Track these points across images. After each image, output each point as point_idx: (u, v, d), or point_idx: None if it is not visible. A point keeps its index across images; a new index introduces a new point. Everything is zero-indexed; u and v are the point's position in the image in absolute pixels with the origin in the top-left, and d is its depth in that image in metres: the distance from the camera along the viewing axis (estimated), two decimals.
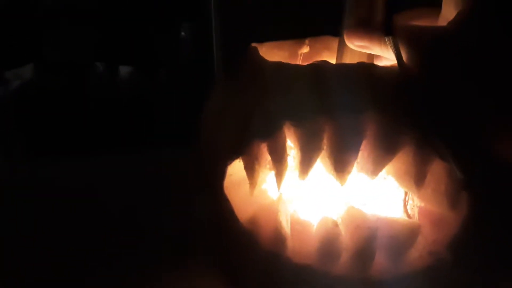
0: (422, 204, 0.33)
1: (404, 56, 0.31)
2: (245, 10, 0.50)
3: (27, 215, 0.46)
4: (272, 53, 0.43)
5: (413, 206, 0.33)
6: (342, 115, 0.29)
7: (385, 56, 0.33)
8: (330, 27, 0.41)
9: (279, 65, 0.32)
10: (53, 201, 0.47)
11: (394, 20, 0.32)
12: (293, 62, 0.44)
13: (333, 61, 0.42)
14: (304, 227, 0.33)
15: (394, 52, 0.31)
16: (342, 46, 0.36)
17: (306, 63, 0.45)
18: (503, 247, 0.31)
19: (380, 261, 0.31)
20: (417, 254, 0.32)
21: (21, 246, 0.42)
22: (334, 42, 0.41)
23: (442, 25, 0.31)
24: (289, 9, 0.51)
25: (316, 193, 0.35)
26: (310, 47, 0.43)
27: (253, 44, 0.41)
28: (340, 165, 0.29)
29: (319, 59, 0.45)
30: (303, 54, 0.43)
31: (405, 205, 0.33)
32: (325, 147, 0.30)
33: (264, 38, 0.43)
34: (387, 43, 0.31)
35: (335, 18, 0.39)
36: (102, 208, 0.46)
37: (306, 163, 0.30)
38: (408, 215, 0.33)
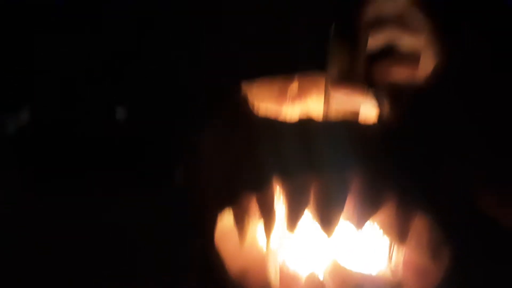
0: (406, 255, 0.34)
1: (387, 107, 0.32)
2: (237, 43, 0.51)
3: (29, 254, 0.46)
4: (263, 91, 0.44)
5: (398, 256, 0.34)
6: (328, 172, 0.30)
7: (368, 105, 0.34)
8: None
9: (269, 121, 0.33)
10: (55, 240, 0.47)
11: (375, 73, 0.34)
12: (282, 100, 0.45)
13: (320, 96, 0.43)
14: (293, 279, 0.34)
15: (377, 103, 0.32)
16: (328, 91, 0.37)
17: (295, 99, 0.46)
18: None
19: None
20: None
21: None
22: (321, 79, 0.42)
23: (421, 82, 0.32)
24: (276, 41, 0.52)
25: (304, 242, 0.36)
26: (299, 84, 0.44)
27: (244, 82, 0.42)
28: (327, 219, 0.30)
29: (309, 96, 0.46)
30: (292, 90, 0.44)
31: (390, 256, 0.34)
32: (312, 202, 0.31)
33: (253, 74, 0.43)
34: (371, 94, 0.32)
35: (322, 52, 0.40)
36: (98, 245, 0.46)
37: (294, 217, 0.31)
38: (392, 267, 0.34)
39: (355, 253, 0.35)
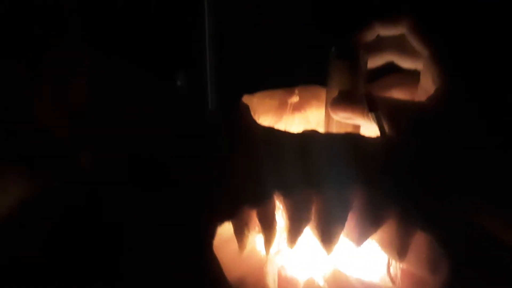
0: (405, 267, 0.34)
1: (387, 129, 0.32)
2: (240, 58, 0.51)
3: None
4: (263, 102, 0.44)
5: (396, 267, 0.34)
6: (330, 188, 0.31)
7: (369, 127, 0.34)
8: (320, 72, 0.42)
9: (270, 131, 0.33)
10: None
11: (375, 94, 0.34)
12: (283, 110, 0.45)
13: (321, 109, 0.44)
14: (291, 285, 0.34)
15: (377, 124, 0.32)
16: (328, 113, 0.37)
17: (296, 111, 0.46)
18: None
19: None
20: None
21: None
22: (322, 92, 0.42)
23: (422, 101, 0.33)
24: (278, 57, 0.52)
25: (303, 248, 0.36)
26: (299, 96, 0.44)
27: (245, 96, 0.42)
28: (327, 236, 0.31)
29: (309, 107, 0.46)
30: (292, 103, 0.45)
31: (388, 267, 0.34)
32: (313, 218, 0.31)
33: (258, 86, 0.44)
34: (370, 117, 0.32)
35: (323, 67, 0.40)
36: None
37: (294, 232, 0.31)
38: (391, 277, 0.34)
39: (355, 260, 0.35)
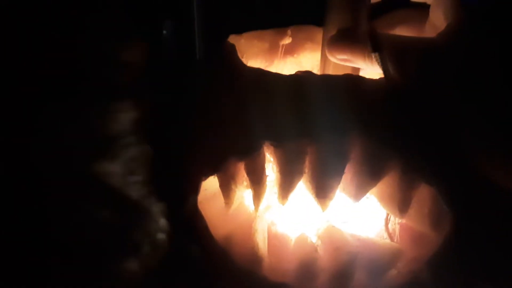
0: (404, 221, 0.31)
1: (392, 69, 0.28)
2: (227, 4, 0.46)
3: None
4: (252, 44, 0.40)
5: (394, 223, 0.32)
6: (326, 137, 0.27)
7: (370, 70, 0.30)
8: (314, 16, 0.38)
9: (259, 73, 0.29)
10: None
11: (378, 31, 0.30)
12: (274, 54, 0.41)
13: (316, 53, 0.40)
14: (282, 242, 0.32)
15: (380, 67, 0.28)
16: (325, 55, 0.33)
17: (288, 55, 0.42)
18: (483, 265, 0.31)
19: (359, 278, 0.31)
20: (395, 271, 0.31)
21: None
22: (318, 33, 0.38)
23: (431, 37, 0.29)
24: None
25: (295, 203, 0.33)
26: (292, 38, 0.40)
27: (231, 36, 0.37)
28: (322, 191, 0.28)
29: (302, 50, 0.42)
30: (284, 45, 0.40)
31: (386, 222, 0.32)
32: (306, 171, 0.28)
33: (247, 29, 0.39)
34: (374, 58, 0.28)
35: (319, 7, 0.36)
36: None
37: (286, 187, 0.28)
38: (389, 232, 0.32)
39: (351, 215, 0.32)
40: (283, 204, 0.29)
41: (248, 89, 0.29)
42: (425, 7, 0.33)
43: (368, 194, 0.31)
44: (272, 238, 0.32)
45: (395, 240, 0.32)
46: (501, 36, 0.28)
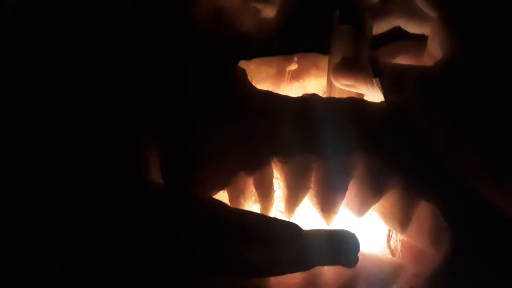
0: (405, 239, 0.33)
1: (392, 94, 0.30)
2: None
3: None
4: (260, 69, 0.42)
5: (396, 240, 0.33)
6: (330, 155, 0.29)
7: (372, 95, 0.32)
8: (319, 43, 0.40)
9: (268, 95, 0.31)
10: None
11: (379, 59, 0.32)
12: (281, 78, 0.43)
13: (320, 79, 0.42)
14: None
15: (381, 92, 0.30)
16: (331, 81, 0.35)
17: (294, 80, 0.44)
18: (481, 283, 0.32)
19: None
20: (397, 287, 0.32)
21: None
22: (323, 60, 0.40)
23: (428, 66, 0.31)
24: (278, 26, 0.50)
25: (301, 219, 0.35)
26: (298, 64, 0.42)
27: (241, 62, 0.40)
28: (327, 205, 0.29)
29: (308, 77, 0.44)
30: (291, 71, 0.43)
31: (388, 239, 0.33)
32: (312, 186, 0.30)
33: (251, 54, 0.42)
34: (375, 83, 0.31)
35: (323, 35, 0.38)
36: None
37: (293, 201, 0.29)
38: (391, 249, 0.33)
39: (354, 232, 0.33)
40: (289, 218, 0.30)
41: (257, 110, 0.31)
42: (423, 38, 0.35)
43: (371, 211, 0.32)
44: None
45: (397, 257, 0.33)
46: (492, 65, 0.30)
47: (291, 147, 0.29)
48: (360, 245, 0.33)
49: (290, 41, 0.43)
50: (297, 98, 0.31)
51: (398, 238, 0.33)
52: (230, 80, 0.33)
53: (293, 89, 0.44)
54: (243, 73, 0.34)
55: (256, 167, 0.30)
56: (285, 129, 0.30)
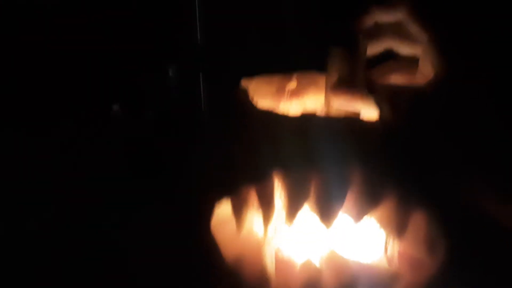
0: (401, 247, 0.34)
1: (386, 111, 0.32)
2: (232, 47, 0.51)
3: None
4: (261, 88, 0.44)
5: (393, 249, 0.35)
6: (329, 168, 0.31)
7: (367, 112, 0.34)
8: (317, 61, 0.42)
9: (270, 114, 0.33)
10: None
11: (374, 78, 0.34)
12: (280, 96, 0.45)
13: (319, 96, 0.44)
14: (288, 266, 0.34)
15: (376, 109, 0.32)
16: (328, 99, 0.37)
17: (293, 97, 0.46)
18: None
19: None
20: None
21: None
22: (321, 78, 0.42)
23: (420, 85, 0.33)
24: (276, 44, 0.52)
25: (300, 229, 0.36)
26: (297, 82, 0.44)
27: (243, 81, 0.42)
28: (326, 213, 0.31)
29: (306, 93, 0.46)
30: (290, 89, 0.45)
31: (385, 248, 0.35)
32: (312, 195, 0.31)
33: (252, 73, 0.44)
34: (371, 100, 0.33)
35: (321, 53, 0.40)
36: None
37: (293, 210, 0.31)
38: (388, 258, 0.35)
39: (352, 242, 0.35)
40: (289, 225, 0.32)
41: (260, 127, 0.33)
42: (416, 59, 0.38)
43: (369, 218, 0.34)
44: (279, 263, 0.35)
45: (394, 266, 0.34)
46: (481, 83, 0.33)
47: (291, 160, 0.31)
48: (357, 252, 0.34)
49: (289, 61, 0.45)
50: (296, 116, 0.33)
51: (395, 247, 0.35)
52: (234, 101, 0.36)
53: (292, 106, 0.46)
54: (245, 93, 0.36)
55: (259, 178, 0.32)
56: (285, 145, 0.32)
